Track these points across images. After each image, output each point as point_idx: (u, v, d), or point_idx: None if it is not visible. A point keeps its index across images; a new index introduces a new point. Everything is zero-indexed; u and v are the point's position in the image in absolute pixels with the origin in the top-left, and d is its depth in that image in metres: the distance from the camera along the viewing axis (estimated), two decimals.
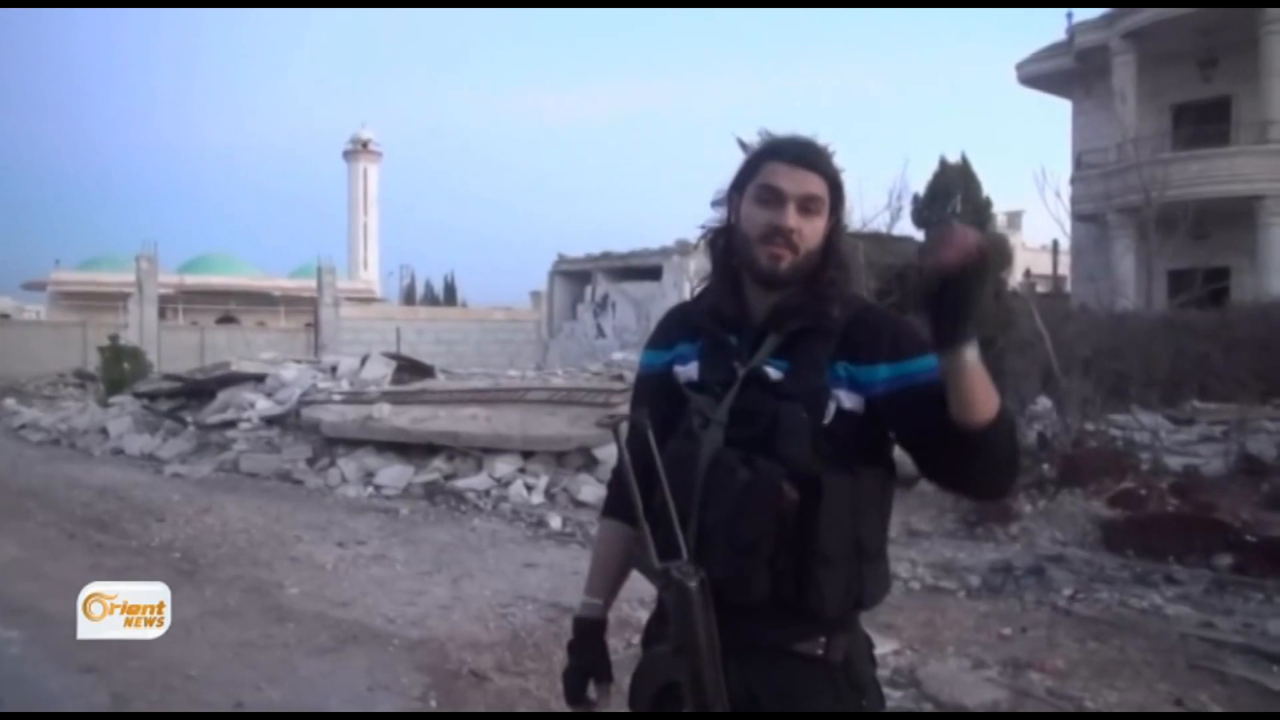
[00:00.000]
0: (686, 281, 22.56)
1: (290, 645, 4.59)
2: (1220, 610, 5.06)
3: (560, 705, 3.81)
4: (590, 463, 8.84)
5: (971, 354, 1.26)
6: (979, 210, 14.61)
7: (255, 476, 9.85)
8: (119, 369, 18.09)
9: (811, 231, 1.48)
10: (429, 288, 55.13)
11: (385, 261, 58.87)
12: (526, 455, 9.08)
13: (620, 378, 11.91)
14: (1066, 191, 19.88)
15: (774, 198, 1.47)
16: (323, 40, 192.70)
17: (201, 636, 4.59)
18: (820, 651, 1.45)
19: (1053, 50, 23.36)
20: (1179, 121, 21.02)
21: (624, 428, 1.47)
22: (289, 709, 3.84)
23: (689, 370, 1.56)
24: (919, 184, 14.80)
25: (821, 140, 1.53)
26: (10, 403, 18.36)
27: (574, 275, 29.77)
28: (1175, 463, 8.32)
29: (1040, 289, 24.00)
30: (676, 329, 1.63)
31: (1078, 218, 20.31)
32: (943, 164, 14.88)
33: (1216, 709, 3.78)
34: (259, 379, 12.66)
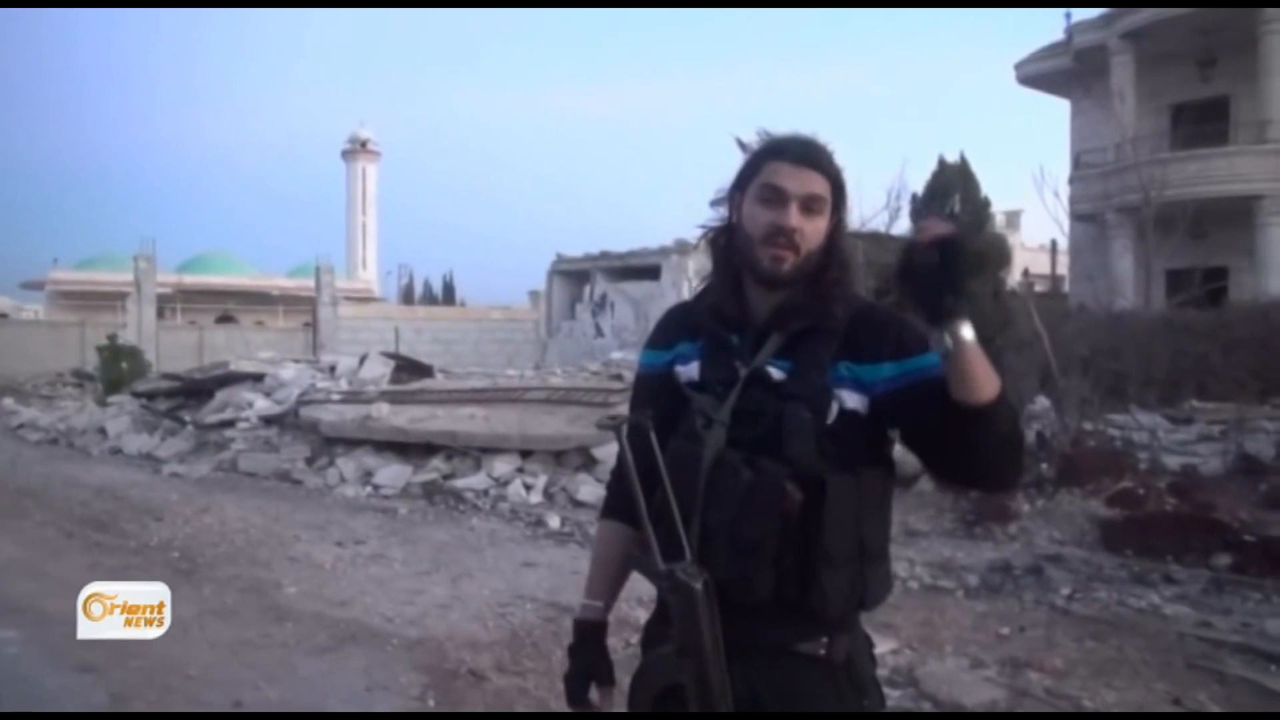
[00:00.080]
0: (685, 281, 22.58)
1: (289, 645, 4.59)
2: (1218, 610, 5.07)
3: (559, 705, 3.81)
4: (589, 462, 8.84)
5: (967, 331, 1.27)
6: (978, 210, 14.62)
7: (254, 476, 9.84)
8: (117, 368, 18.09)
9: (814, 231, 1.47)
10: (427, 287, 55.12)
11: (384, 261, 58.85)
12: (525, 455, 9.08)
13: (619, 377, 11.91)
14: (1065, 191, 19.88)
15: (776, 197, 1.46)
16: (322, 40, 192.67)
17: (200, 636, 4.59)
18: (822, 652, 1.45)
19: (1051, 50, 23.36)
20: (1177, 121, 21.03)
21: (625, 428, 1.47)
22: (287, 708, 3.83)
23: (690, 370, 1.55)
24: (918, 183, 14.83)
25: (821, 139, 1.53)
26: (8, 402, 18.36)
27: (572, 275, 29.76)
28: (1173, 462, 8.32)
29: (1039, 288, 23.99)
30: (677, 328, 1.62)
31: (1076, 217, 20.31)
32: (941, 163, 14.89)
33: (1215, 708, 3.78)
34: (257, 378, 12.66)
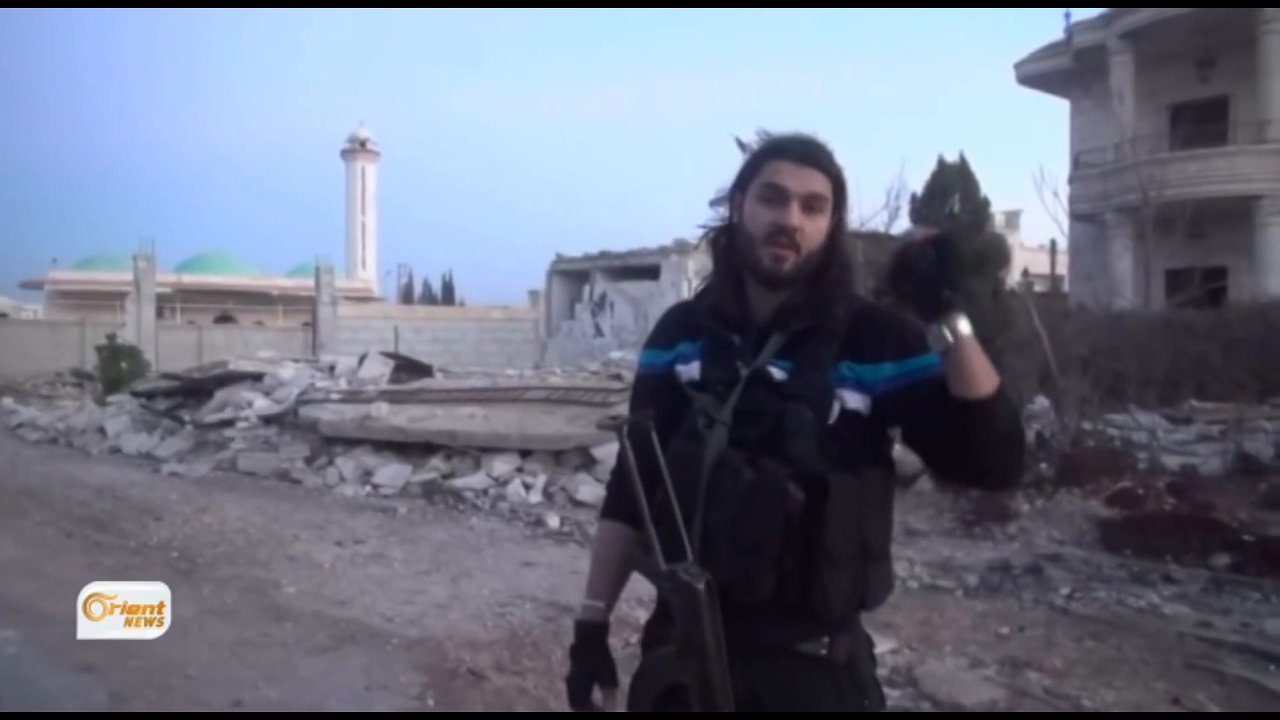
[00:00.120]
0: (685, 281, 22.58)
1: (288, 644, 4.59)
2: (1217, 609, 5.07)
3: (558, 704, 3.82)
4: (588, 462, 8.84)
5: (964, 326, 1.28)
6: (977, 210, 14.55)
7: (253, 475, 9.84)
8: (116, 368, 18.08)
9: (814, 230, 1.47)
10: (427, 287, 55.13)
11: (383, 260, 58.89)
12: (524, 454, 9.08)
13: (618, 377, 11.90)
14: (1064, 191, 19.86)
15: (778, 196, 1.46)
16: (321, 40, 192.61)
17: (199, 636, 4.59)
18: (824, 652, 1.45)
19: (1051, 50, 23.36)
20: (1177, 121, 21.04)
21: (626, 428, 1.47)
22: (287, 708, 3.83)
23: (691, 369, 1.55)
24: (917, 183, 14.75)
25: (822, 139, 1.53)
26: (8, 402, 18.34)
27: (572, 274, 29.76)
28: (1173, 462, 8.33)
29: (1038, 288, 23.98)
30: (677, 328, 1.62)
31: (1076, 217, 20.31)
32: (941, 163, 14.83)
33: (1214, 708, 3.78)
34: (257, 378, 12.66)
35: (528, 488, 8.55)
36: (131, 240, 40.83)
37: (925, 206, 14.37)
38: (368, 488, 9.01)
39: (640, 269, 26.63)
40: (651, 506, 1.40)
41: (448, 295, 52.55)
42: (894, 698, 3.79)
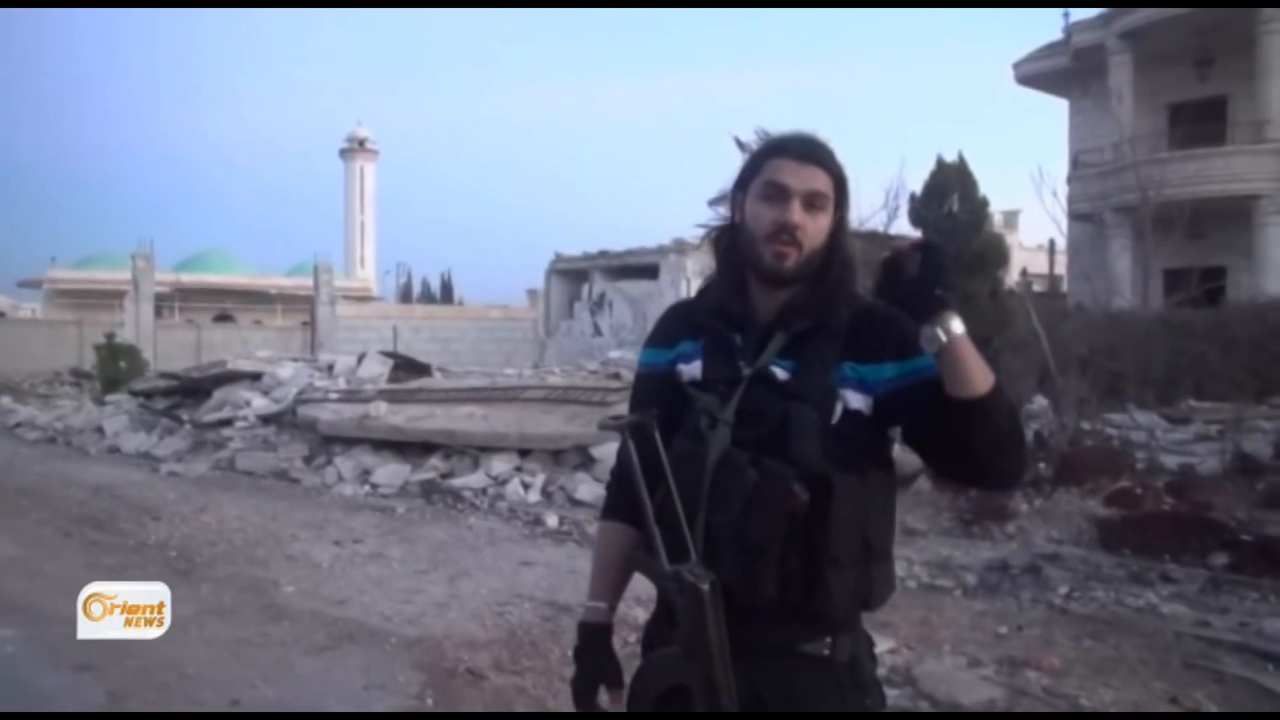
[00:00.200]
0: (683, 280, 22.58)
1: (286, 644, 4.59)
2: (1215, 609, 5.07)
3: (557, 703, 3.82)
4: (587, 461, 8.84)
5: (957, 325, 1.30)
6: (976, 210, 14.54)
7: (251, 475, 9.84)
8: (115, 367, 18.06)
9: (816, 228, 1.47)
10: (426, 286, 55.17)
11: (382, 260, 58.72)
12: (523, 454, 9.08)
13: (617, 376, 11.90)
14: (1063, 191, 19.88)
15: (779, 194, 1.46)
16: (320, 39, 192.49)
17: (198, 635, 4.58)
18: (826, 652, 1.44)
19: (1049, 50, 23.37)
20: (1175, 121, 21.04)
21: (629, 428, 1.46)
22: (285, 707, 3.83)
23: (692, 369, 1.54)
24: (916, 183, 14.75)
25: (822, 137, 1.54)
26: (6, 401, 18.32)
27: (571, 274, 29.75)
28: (1171, 461, 8.33)
29: (1037, 288, 24.04)
30: (678, 327, 1.61)
31: (1074, 217, 20.31)
32: (940, 163, 14.82)
33: (1212, 707, 3.79)
34: (255, 377, 12.65)
35: (526, 487, 8.55)
36: (130, 239, 40.90)
37: (924, 206, 14.36)
38: (366, 487, 9.01)
39: (639, 268, 26.63)
40: (653, 507, 1.40)
41: (446, 294, 52.56)
42: (892, 697, 3.79)
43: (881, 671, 1.60)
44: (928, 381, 1.37)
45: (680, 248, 23.59)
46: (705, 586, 1.33)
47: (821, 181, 1.48)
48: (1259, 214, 18.89)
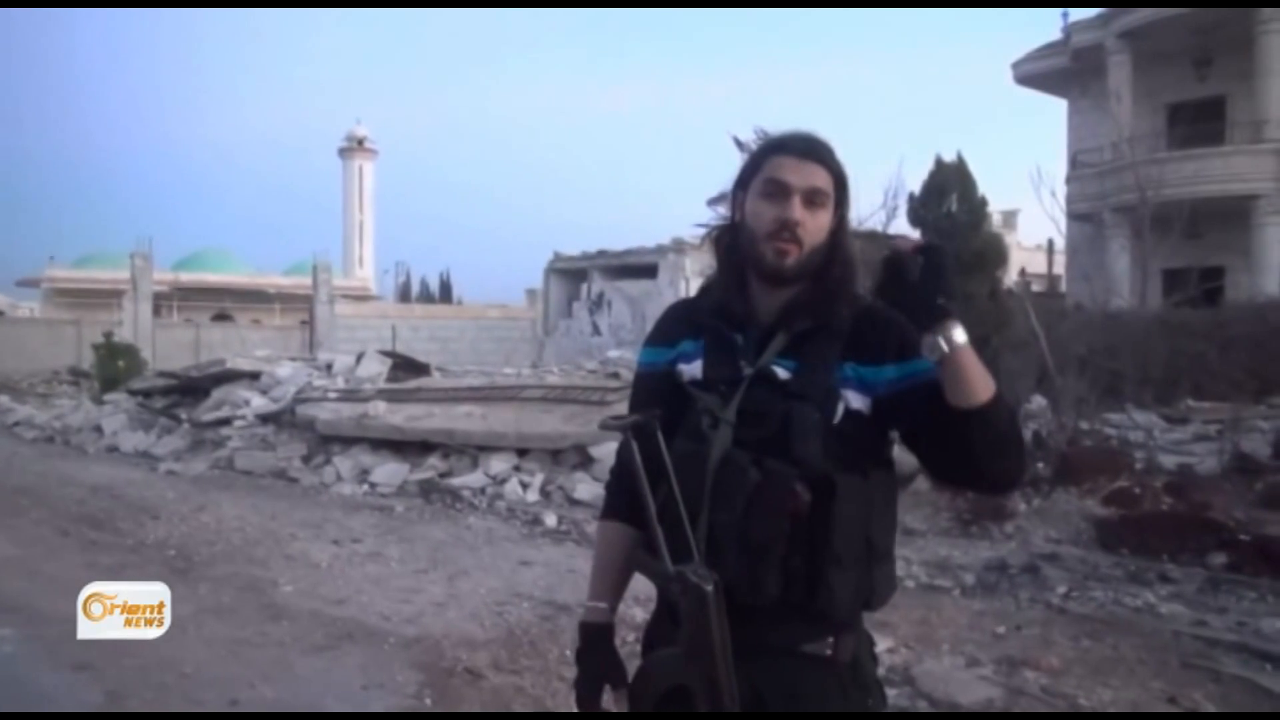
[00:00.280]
0: (682, 280, 22.58)
1: (285, 643, 4.59)
2: (1214, 609, 5.08)
3: (555, 703, 3.82)
4: (586, 460, 8.84)
5: (960, 334, 1.29)
6: (974, 209, 14.55)
7: (250, 474, 9.83)
8: (113, 366, 18.05)
9: (817, 226, 1.47)
10: (424, 285, 55.20)
11: (381, 259, 58.72)
12: (522, 453, 9.08)
13: (616, 375, 11.90)
14: (1062, 191, 19.93)
15: (780, 191, 1.46)
16: (319, 38, 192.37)
17: (196, 634, 4.58)
18: (828, 652, 1.44)
19: (1048, 49, 23.38)
20: (1174, 121, 21.05)
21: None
22: (284, 707, 3.83)
23: (693, 368, 1.54)
24: (915, 183, 14.76)
25: (822, 136, 1.54)
26: (4, 400, 18.28)
27: (570, 273, 29.77)
28: (1169, 461, 8.35)
29: (1035, 288, 24.05)
30: (679, 326, 1.61)
31: (1073, 217, 20.34)
32: (939, 163, 14.83)
33: (1210, 707, 3.79)
34: (254, 376, 12.63)
35: (525, 486, 8.54)
36: (128, 238, 40.82)
37: (923, 206, 14.37)
38: (365, 486, 9.00)
39: (638, 268, 26.64)
40: (655, 507, 1.40)
41: (445, 294, 52.58)
42: (891, 696, 3.79)
43: (880, 671, 1.60)
44: (927, 384, 1.37)
45: (679, 247, 23.60)
46: (709, 587, 1.33)
47: (822, 179, 1.47)
48: (1257, 214, 18.89)
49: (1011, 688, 3.96)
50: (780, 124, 1.55)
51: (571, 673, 1.58)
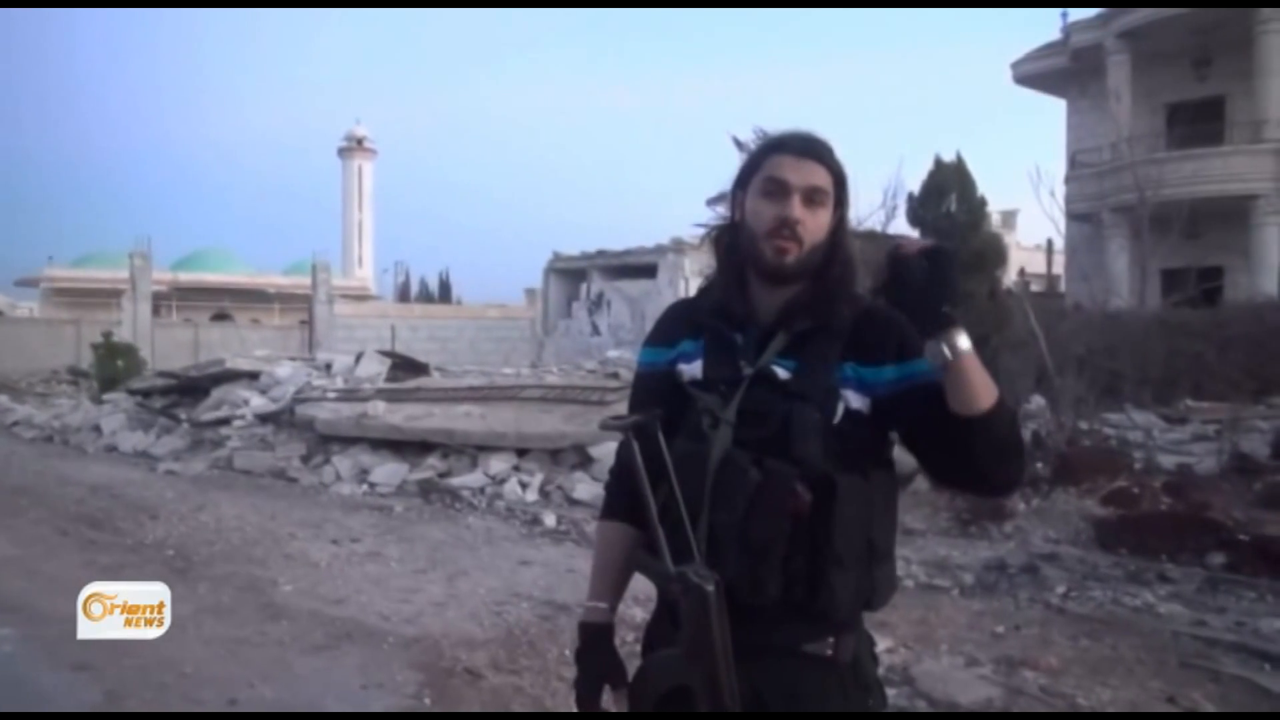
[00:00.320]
0: (681, 280, 22.59)
1: (284, 643, 4.58)
2: (1213, 608, 5.08)
3: (555, 703, 3.82)
4: (585, 460, 8.84)
5: (964, 341, 1.28)
6: (974, 209, 14.58)
7: (249, 474, 9.83)
8: (112, 366, 18.04)
9: (816, 224, 1.47)
10: (424, 285, 55.18)
11: (380, 259, 58.79)
12: (521, 453, 9.07)
13: (615, 375, 11.90)
14: (1061, 191, 19.92)
15: (779, 190, 1.46)
16: (318, 38, 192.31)
17: (195, 634, 4.58)
18: (829, 652, 1.44)
19: (1048, 49, 23.38)
20: (1173, 121, 21.05)
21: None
22: (283, 707, 3.83)
23: (693, 368, 1.53)
24: (914, 183, 14.77)
25: (821, 135, 1.54)
26: (3, 400, 18.27)
27: (569, 273, 29.78)
28: (1168, 461, 8.35)
29: (1034, 288, 24.07)
30: (679, 326, 1.60)
31: (1072, 217, 20.34)
32: (938, 163, 14.85)
33: (1209, 707, 3.79)
34: (253, 376, 12.63)
35: (524, 486, 8.54)
36: (127, 238, 40.66)
37: (922, 206, 14.38)
38: (364, 486, 9.00)
39: (637, 268, 26.66)
40: (655, 507, 1.40)
41: (444, 293, 52.57)
42: (890, 696, 3.77)
43: (879, 671, 1.60)
44: (926, 386, 1.37)
45: (678, 247, 23.61)
46: (710, 587, 1.32)
47: (821, 177, 1.47)
48: (1256, 214, 18.90)
49: (1010, 687, 3.96)
50: (780, 124, 1.55)
51: (571, 673, 1.58)
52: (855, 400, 1.43)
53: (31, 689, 3.96)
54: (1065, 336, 10.96)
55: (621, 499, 1.57)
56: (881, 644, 4.15)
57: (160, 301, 32.08)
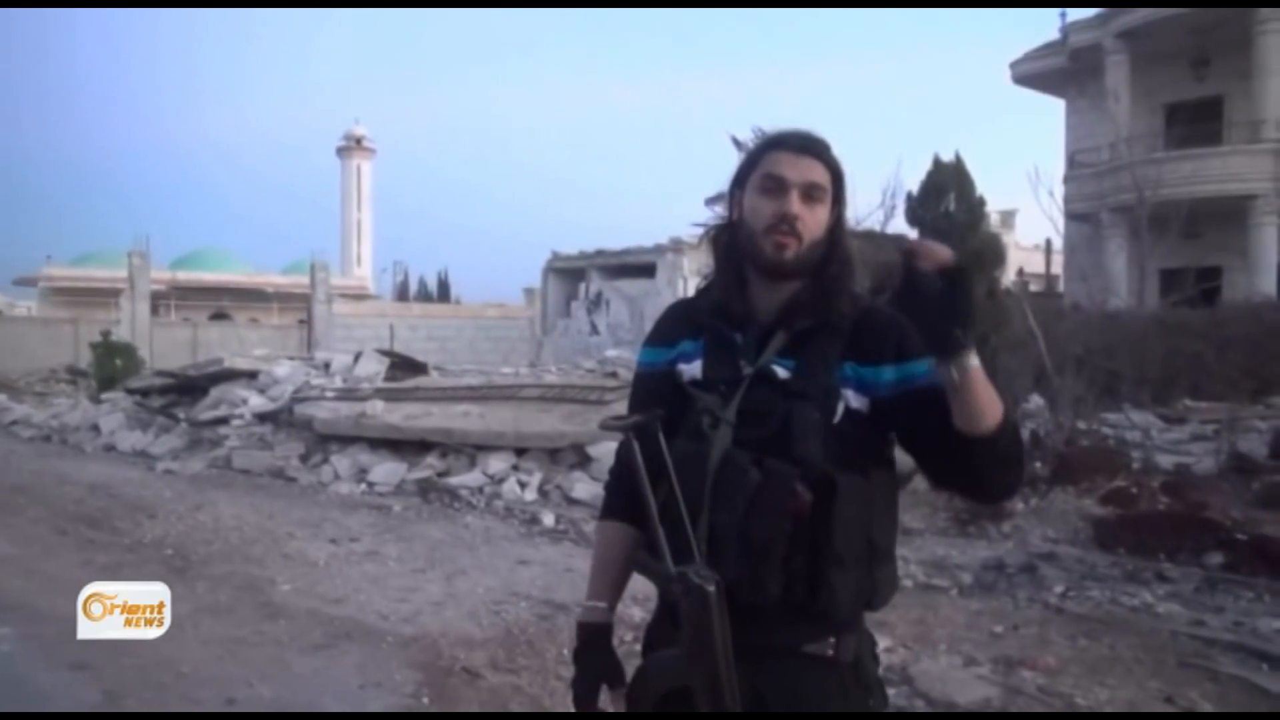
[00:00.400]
0: (680, 279, 22.60)
1: (282, 642, 4.58)
2: (1210, 608, 5.08)
3: (553, 703, 3.82)
4: (584, 460, 8.84)
5: (973, 361, 1.26)
6: (972, 209, 14.61)
7: (248, 473, 9.82)
8: (111, 365, 18.03)
9: (815, 221, 1.47)
10: (422, 284, 55.18)
11: (379, 258, 58.83)
12: (520, 452, 9.07)
13: (614, 375, 11.91)
14: (1060, 190, 19.94)
15: (777, 186, 1.46)
16: (318, 38, 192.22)
17: (194, 634, 4.57)
18: (830, 652, 1.44)
19: (1046, 49, 23.39)
20: (1172, 121, 21.07)
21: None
22: (281, 706, 3.82)
23: (693, 368, 1.53)
24: (913, 182, 14.79)
25: (818, 133, 1.53)
26: (1, 399, 18.27)
27: (568, 272, 29.77)
28: (1167, 461, 8.35)
29: (1033, 288, 24.05)
30: (678, 326, 1.60)
31: (1071, 217, 20.35)
32: (936, 162, 14.88)
33: (1207, 707, 3.79)
34: (252, 376, 12.63)
35: (523, 486, 8.54)
36: (126, 237, 40.82)
37: (921, 206, 14.39)
38: (363, 485, 9.00)
39: (636, 267, 26.66)
40: (655, 507, 1.40)
41: (443, 293, 52.58)
42: (889, 696, 3.80)
43: (879, 670, 1.59)
44: (925, 389, 1.37)
45: (677, 247, 23.61)
46: (710, 588, 1.32)
47: (818, 174, 1.47)
48: (1255, 214, 18.92)
49: (1009, 687, 3.96)
50: (779, 124, 1.54)
51: (569, 672, 1.58)
52: (855, 400, 1.43)
53: (30, 688, 3.95)
54: (1064, 336, 10.96)
55: (621, 499, 1.57)
56: (880, 643, 4.16)
57: (159, 301, 32.04)
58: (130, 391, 14.12)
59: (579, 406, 9.81)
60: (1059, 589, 5.40)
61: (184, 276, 40.38)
